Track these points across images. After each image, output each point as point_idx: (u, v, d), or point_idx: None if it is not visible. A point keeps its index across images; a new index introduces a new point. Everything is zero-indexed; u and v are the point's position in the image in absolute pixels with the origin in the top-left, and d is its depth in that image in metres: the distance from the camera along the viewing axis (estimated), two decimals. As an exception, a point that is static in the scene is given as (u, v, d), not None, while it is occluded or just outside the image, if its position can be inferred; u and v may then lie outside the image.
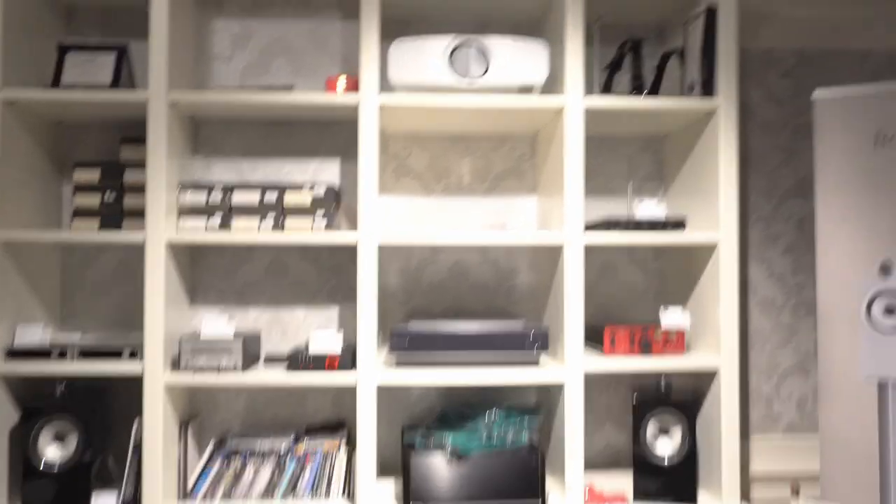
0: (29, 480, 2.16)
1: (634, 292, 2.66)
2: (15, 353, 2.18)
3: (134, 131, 2.49)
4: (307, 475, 2.29)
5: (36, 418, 2.17)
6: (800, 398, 2.74)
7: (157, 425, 2.15)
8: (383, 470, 2.52)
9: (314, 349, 2.21)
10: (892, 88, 2.25)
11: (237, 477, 2.29)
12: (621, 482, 2.44)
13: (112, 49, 2.32)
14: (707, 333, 2.33)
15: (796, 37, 2.77)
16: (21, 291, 2.28)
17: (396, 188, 2.62)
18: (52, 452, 2.18)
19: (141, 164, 2.32)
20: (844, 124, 2.30)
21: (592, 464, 2.63)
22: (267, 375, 2.17)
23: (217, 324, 2.21)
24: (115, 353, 2.20)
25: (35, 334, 2.24)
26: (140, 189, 2.33)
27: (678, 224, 2.27)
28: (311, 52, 2.59)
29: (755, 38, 2.75)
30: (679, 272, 2.55)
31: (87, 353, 2.20)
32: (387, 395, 2.57)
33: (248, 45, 2.58)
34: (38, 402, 2.23)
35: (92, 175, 2.34)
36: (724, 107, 2.25)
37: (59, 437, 2.19)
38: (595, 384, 2.63)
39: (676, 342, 2.27)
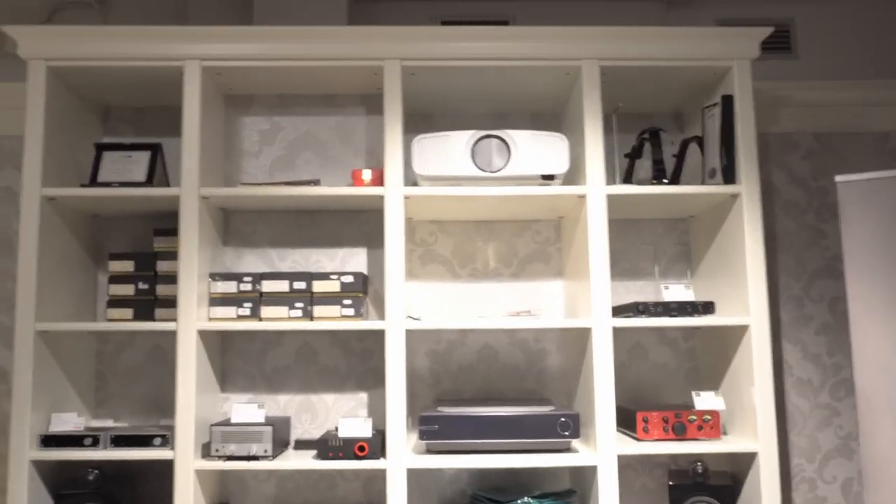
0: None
1: (666, 373, 2.63)
2: (49, 440, 2.20)
3: (167, 223, 2.58)
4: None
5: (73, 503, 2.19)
6: (845, 481, 2.64)
7: None
8: (413, 562, 2.47)
9: (343, 435, 2.20)
10: (917, 172, 2.26)
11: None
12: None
13: (146, 148, 2.42)
14: (743, 415, 2.28)
15: (814, 120, 2.81)
16: (57, 378, 2.31)
17: (423, 274, 2.65)
18: None
19: (173, 255, 2.39)
20: (869, 208, 2.30)
21: (629, 554, 2.55)
22: (297, 462, 2.16)
23: (247, 410, 2.22)
24: (146, 440, 2.22)
25: (69, 422, 2.27)
26: (172, 278, 2.39)
27: (707, 307, 2.25)
28: (337, 145, 2.68)
29: (774, 123, 2.79)
30: (711, 352, 2.52)
31: (119, 440, 2.22)
32: (418, 478, 2.53)
33: (276, 139, 2.67)
34: (71, 487, 2.24)
35: (126, 265, 2.41)
36: (747, 192, 2.26)
37: None
38: (630, 466, 2.57)
39: (712, 425, 2.22)
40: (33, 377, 2.18)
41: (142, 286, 2.41)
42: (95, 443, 2.21)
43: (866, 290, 2.29)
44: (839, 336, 2.70)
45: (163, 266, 2.42)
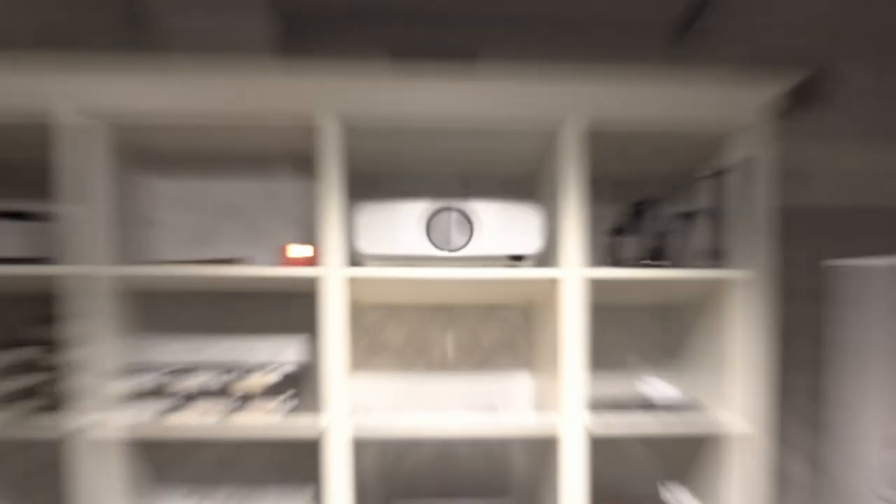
0: None
1: (645, 478, 2.24)
2: None
3: (48, 307, 2.11)
4: None
5: None
6: None
7: None
8: None
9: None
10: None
11: None
12: None
13: (22, 216, 2.00)
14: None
15: (844, 192, 2.42)
16: None
17: (370, 365, 2.25)
18: None
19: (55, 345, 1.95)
20: (868, 294, 2.00)
21: None
22: None
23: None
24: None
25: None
26: (69, 373, 1.95)
27: (694, 406, 1.90)
28: (265, 214, 2.26)
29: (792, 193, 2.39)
30: (696, 454, 2.14)
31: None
32: None
33: (193, 208, 2.26)
34: None
35: (16, 357, 1.99)
36: (747, 277, 1.92)
37: None
38: None
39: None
40: None
41: (33, 381, 1.98)
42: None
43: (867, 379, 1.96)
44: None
45: (53, 359, 1.99)
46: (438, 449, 2.23)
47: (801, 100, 2.40)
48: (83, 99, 1.84)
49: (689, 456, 2.23)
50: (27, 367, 2.00)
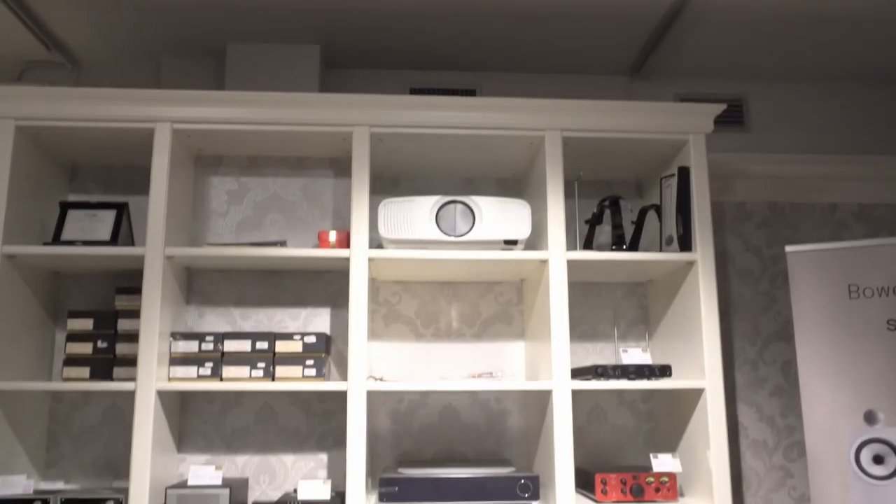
0: None
1: (624, 435, 2.66)
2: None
3: (129, 281, 2.57)
4: None
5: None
6: (800, 544, 2.68)
7: None
8: None
9: (302, 497, 2.17)
10: (860, 244, 2.37)
11: None
12: None
13: (112, 206, 2.43)
14: (700, 477, 2.31)
15: (767, 191, 2.94)
16: (6, 439, 2.26)
17: (387, 334, 2.67)
18: None
19: (134, 314, 2.38)
20: (818, 277, 2.41)
21: None
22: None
23: (204, 472, 2.19)
24: (98, 503, 2.17)
25: (17, 485, 2.20)
26: (132, 337, 2.37)
27: (664, 370, 2.31)
28: (304, 206, 2.72)
29: (729, 193, 2.92)
30: (668, 414, 2.56)
31: (70, 503, 2.17)
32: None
33: (243, 200, 2.70)
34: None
35: (85, 324, 2.38)
36: (702, 260, 2.34)
37: None
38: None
39: (669, 487, 2.25)
40: (-16, 438, 2.14)
41: (101, 345, 2.38)
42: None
43: (815, 354, 2.37)
44: (792, 398, 2.77)
45: (124, 325, 2.39)
46: (441, 412, 2.64)
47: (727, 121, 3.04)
48: (170, 116, 2.33)
49: (668, 419, 2.64)
50: (102, 331, 2.40)
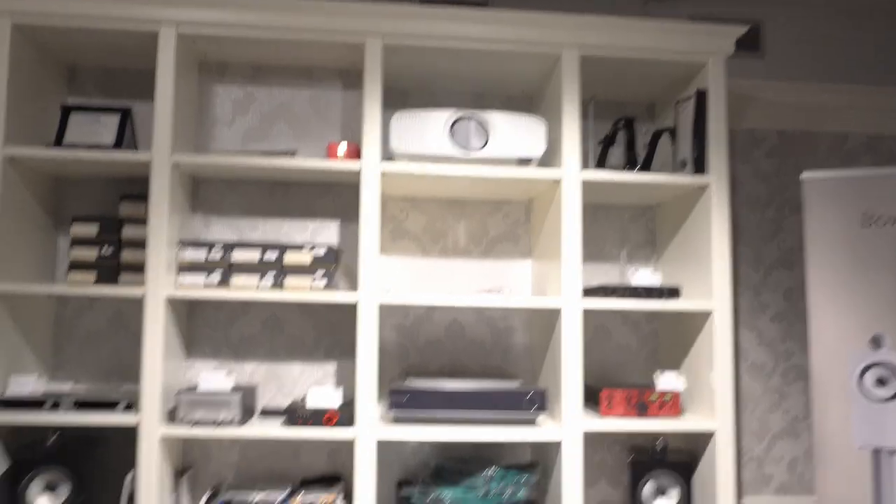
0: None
1: (628, 354, 2.70)
2: (7, 403, 2.16)
3: (133, 188, 2.53)
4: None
5: (27, 468, 2.15)
6: (791, 460, 2.77)
7: (151, 476, 2.14)
8: (374, 533, 2.49)
9: (312, 404, 2.20)
10: (877, 173, 2.37)
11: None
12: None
13: (116, 111, 2.37)
14: (701, 396, 2.37)
15: (778, 118, 2.91)
16: (14, 341, 2.26)
17: (393, 249, 2.66)
18: (42, 502, 2.15)
19: (139, 220, 2.35)
20: (833, 205, 2.41)
21: (585, 527, 2.63)
22: (267, 430, 2.16)
23: (214, 377, 2.21)
24: (110, 405, 2.19)
25: (28, 384, 2.22)
26: (137, 244, 2.35)
27: (673, 292, 2.33)
28: (312, 118, 2.66)
29: (741, 119, 2.88)
30: (672, 335, 2.60)
31: (82, 404, 2.18)
32: (380, 449, 2.56)
33: (249, 109, 2.64)
34: (30, 452, 2.20)
35: (90, 229, 2.36)
36: (716, 184, 2.33)
37: (51, 488, 2.17)
38: (590, 442, 2.66)
39: (672, 405, 2.30)
40: (-7, 340, 2.14)
41: (105, 251, 2.36)
42: (56, 406, 2.17)
43: (825, 279, 2.39)
44: (792, 323, 2.82)
45: (128, 232, 2.37)
46: (447, 328, 2.66)
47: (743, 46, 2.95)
48: (175, 17, 2.23)
49: (672, 340, 2.68)
50: (107, 237, 2.38)
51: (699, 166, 2.34)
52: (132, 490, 2.21)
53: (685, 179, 2.33)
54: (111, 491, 2.37)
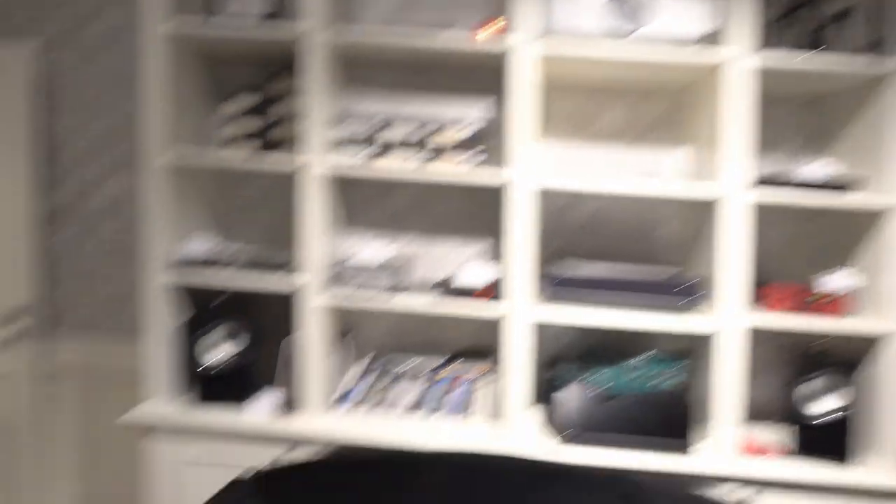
0: (198, 378, 2.32)
1: (785, 250, 2.55)
2: (185, 263, 2.31)
3: (281, 65, 2.50)
4: (455, 396, 2.35)
5: (204, 322, 2.32)
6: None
7: (314, 336, 2.27)
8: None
9: (464, 279, 2.22)
10: None
11: (387, 389, 2.39)
12: (770, 436, 2.36)
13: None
14: (871, 297, 2.22)
15: None
16: (182, 210, 2.39)
17: (540, 133, 2.57)
18: (218, 353, 2.33)
19: (292, 96, 2.37)
20: None
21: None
22: (419, 301, 2.22)
23: (372, 249, 2.29)
24: (277, 267, 2.32)
25: (204, 244, 2.40)
26: (289, 119, 2.37)
27: (848, 186, 2.15)
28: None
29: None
30: (839, 232, 2.43)
31: (252, 265, 2.33)
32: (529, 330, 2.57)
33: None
34: (205, 307, 2.35)
35: (242, 105, 2.42)
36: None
37: (231, 336, 2.33)
38: (748, 336, 2.52)
39: (839, 304, 2.17)
40: (161, 208, 2.25)
41: (259, 125, 2.41)
42: (228, 265, 2.31)
43: None
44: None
45: (282, 108, 2.40)
46: (595, 212, 2.58)
47: None
48: None
49: (835, 238, 2.48)
50: (260, 112, 2.41)
51: (880, 50, 2.11)
52: (288, 354, 2.32)
53: (866, 65, 2.11)
54: (278, 345, 2.48)
